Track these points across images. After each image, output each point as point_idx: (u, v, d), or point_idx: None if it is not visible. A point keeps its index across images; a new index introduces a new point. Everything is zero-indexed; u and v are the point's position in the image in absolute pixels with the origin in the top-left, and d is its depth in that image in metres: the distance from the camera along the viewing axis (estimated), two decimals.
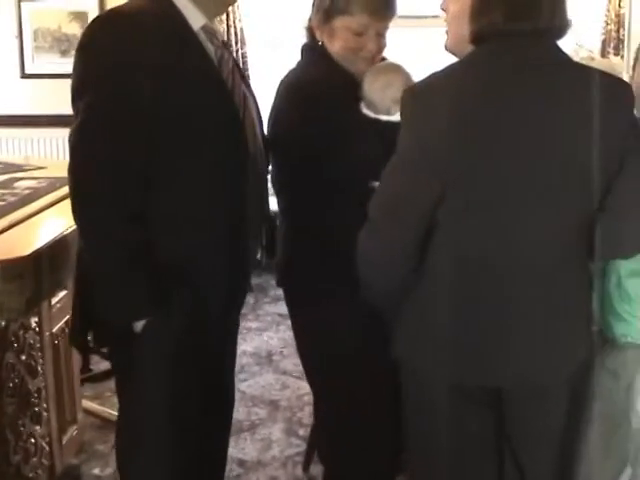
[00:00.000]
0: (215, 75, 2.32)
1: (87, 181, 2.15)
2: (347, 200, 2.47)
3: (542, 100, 1.92)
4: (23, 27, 6.67)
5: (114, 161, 2.14)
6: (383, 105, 2.49)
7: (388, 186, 2.05)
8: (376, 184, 2.46)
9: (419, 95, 2.01)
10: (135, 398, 2.34)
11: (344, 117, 2.47)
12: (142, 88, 2.13)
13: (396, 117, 2.41)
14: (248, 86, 2.51)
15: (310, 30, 2.69)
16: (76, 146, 2.16)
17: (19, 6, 6.62)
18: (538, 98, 1.93)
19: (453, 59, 2.14)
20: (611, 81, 2.04)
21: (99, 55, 2.18)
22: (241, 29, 6.66)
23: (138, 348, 2.24)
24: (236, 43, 6.66)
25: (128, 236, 2.17)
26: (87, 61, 2.19)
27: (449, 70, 2.01)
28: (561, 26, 1.99)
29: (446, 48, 2.18)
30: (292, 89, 2.59)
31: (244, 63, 6.72)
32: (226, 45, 2.45)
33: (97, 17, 2.30)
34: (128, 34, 2.18)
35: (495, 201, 1.97)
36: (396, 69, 2.60)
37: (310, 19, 2.69)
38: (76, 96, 2.18)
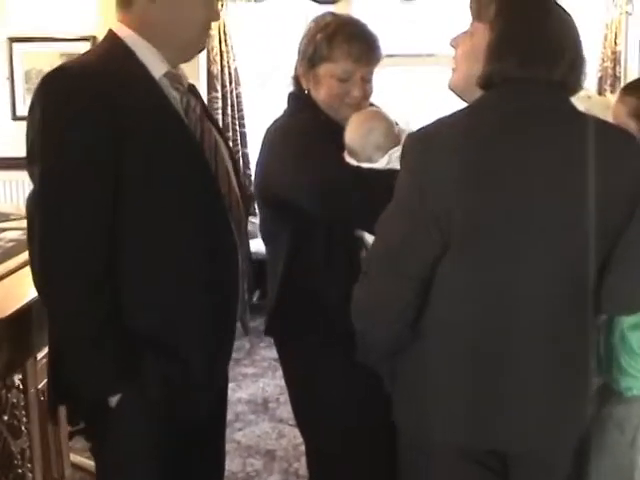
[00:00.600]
0: (181, 126, 2.17)
1: (46, 251, 2.02)
2: (333, 250, 2.45)
3: (551, 152, 1.87)
4: (15, 69, 6.63)
5: (75, 229, 2.01)
6: (365, 152, 2.44)
7: (385, 236, 1.97)
8: (363, 234, 2.44)
9: (423, 141, 1.93)
10: (114, 471, 2.22)
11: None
12: (99, 150, 2.00)
13: (379, 164, 2.41)
14: (220, 132, 2.40)
15: (296, 79, 2.66)
16: (34, 215, 2.04)
17: (10, 47, 6.59)
18: (546, 149, 1.87)
19: (448, 98, 2.11)
20: (619, 134, 2.01)
21: (50, 117, 2.01)
22: (235, 69, 6.61)
23: (114, 424, 2.12)
24: (230, 83, 6.61)
25: (94, 307, 2.04)
26: (38, 124, 2.03)
27: (455, 116, 1.94)
28: (577, 81, 1.95)
29: (450, 87, 2.12)
30: (278, 139, 2.55)
31: (239, 103, 6.69)
32: (193, 90, 2.34)
33: (46, 75, 2.07)
34: (79, 92, 2.01)
35: (498, 253, 1.90)
36: (377, 115, 2.56)
37: (296, 68, 2.66)
38: (30, 160, 2.05)
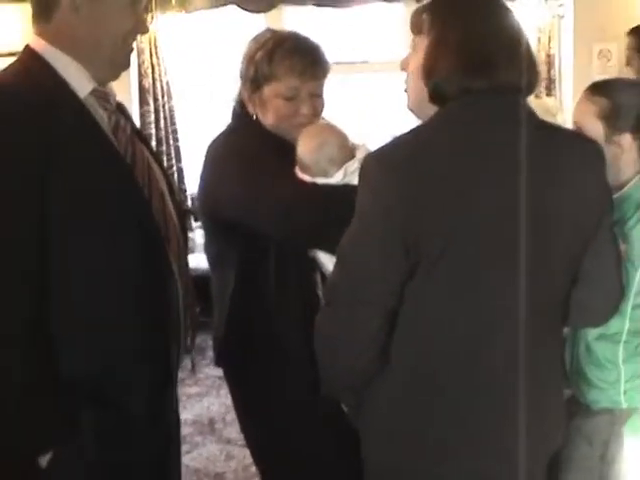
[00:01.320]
0: (111, 152, 2.00)
1: None
2: (286, 273, 2.32)
3: (515, 163, 1.77)
4: None
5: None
6: (318, 166, 2.32)
7: (349, 263, 1.85)
8: (316, 254, 2.33)
9: (386, 161, 1.81)
10: None
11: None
12: (22, 188, 1.83)
13: (334, 179, 2.29)
14: (152, 152, 2.23)
15: (241, 104, 2.50)
16: None
17: None
18: (511, 161, 1.78)
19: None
20: (584, 143, 1.95)
21: None
22: (167, 82, 6.49)
23: None
24: (162, 97, 6.48)
25: (23, 358, 1.83)
26: None
27: (415, 134, 1.85)
28: (528, 82, 1.86)
29: (408, 108, 2.02)
30: (225, 156, 2.39)
31: (171, 117, 6.56)
32: (121, 108, 2.18)
33: None
34: None
35: (469, 275, 1.80)
36: (329, 128, 2.43)
37: (240, 92, 2.51)
38: None
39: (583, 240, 1.90)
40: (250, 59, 2.41)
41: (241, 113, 2.50)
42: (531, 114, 1.87)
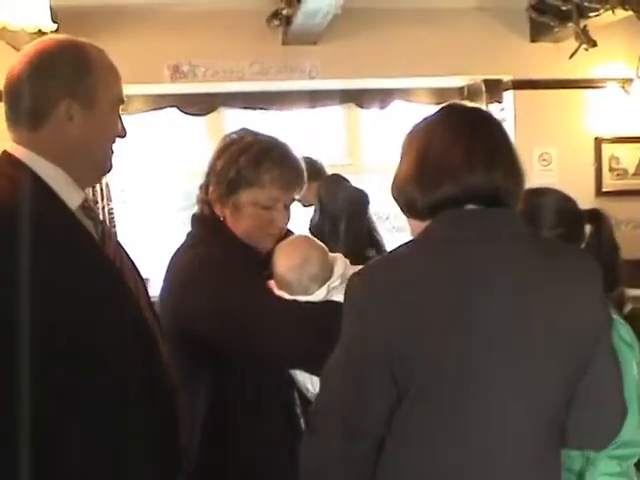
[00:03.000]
0: (104, 260, 1.93)
1: None
2: (263, 393, 2.19)
3: (510, 281, 1.69)
4: None
5: None
6: (301, 285, 2.22)
7: (334, 391, 1.74)
8: (294, 373, 2.21)
9: (372, 282, 1.71)
10: None
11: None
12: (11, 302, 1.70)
13: (316, 297, 2.19)
14: (133, 263, 2.13)
15: (206, 203, 2.37)
16: None
17: None
18: (503, 278, 1.69)
19: None
20: (579, 257, 1.88)
21: None
22: (107, 184, 6.36)
23: None
24: (102, 199, 6.35)
25: None
26: None
27: (402, 253, 1.76)
28: (505, 188, 1.77)
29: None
30: (194, 271, 2.24)
31: (111, 220, 6.42)
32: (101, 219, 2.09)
33: None
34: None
35: (460, 399, 1.69)
36: (308, 243, 2.34)
37: (204, 189, 2.38)
38: None
39: (581, 359, 1.78)
40: (232, 161, 2.31)
41: (207, 217, 2.37)
42: (519, 225, 1.79)
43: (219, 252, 2.26)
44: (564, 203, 2.37)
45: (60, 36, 1.98)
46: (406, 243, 1.79)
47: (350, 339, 1.71)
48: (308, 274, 2.23)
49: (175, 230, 6.97)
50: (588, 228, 2.39)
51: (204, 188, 2.39)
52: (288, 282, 2.23)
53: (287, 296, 2.22)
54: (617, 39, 5.93)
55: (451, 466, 1.71)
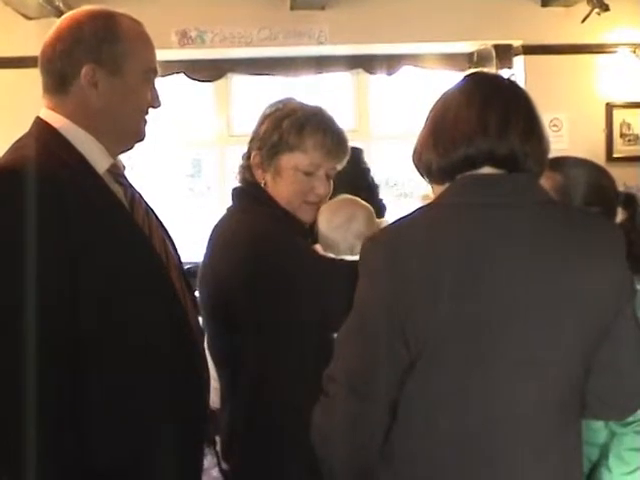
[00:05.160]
0: (131, 224, 1.96)
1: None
2: (305, 362, 2.17)
3: (528, 247, 1.68)
4: None
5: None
6: (346, 243, 2.24)
7: (346, 356, 1.73)
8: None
9: (386, 244, 1.70)
10: None
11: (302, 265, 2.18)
12: (53, 255, 1.77)
13: None
14: (165, 229, 2.14)
15: (248, 169, 2.37)
16: None
17: None
18: (521, 243, 1.68)
19: None
20: (603, 225, 1.86)
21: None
22: None
23: None
24: None
25: (56, 449, 1.76)
26: None
27: (417, 216, 1.75)
28: (535, 154, 1.76)
29: None
30: (242, 242, 2.23)
31: None
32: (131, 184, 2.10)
33: None
34: (10, 200, 1.78)
35: (476, 363, 1.68)
36: (355, 202, 2.36)
37: (247, 157, 2.37)
38: None
39: (601, 328, 1.75)
40: (275, 125, 2.30)
41: (249, 187, 2.37)
42: (539, 191, 1.78)
43: (264, 219, 2.26)
44: (600, 179, 2.35)
45: (94, 6, 2.02)
46: (421, 207, 1.79)
47: (363, 304, 1.71)
48: (354, 232, 2.25)
49: (182, 197, 6.98)
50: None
51: (246, 155, 2.39)
52: (334, 241, 2.26)
53: (332, 256, 2.22)
54: (629, 3, 5.86)
55: (466, 433, 1.70)
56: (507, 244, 1.67)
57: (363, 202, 2.37)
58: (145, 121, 2.06)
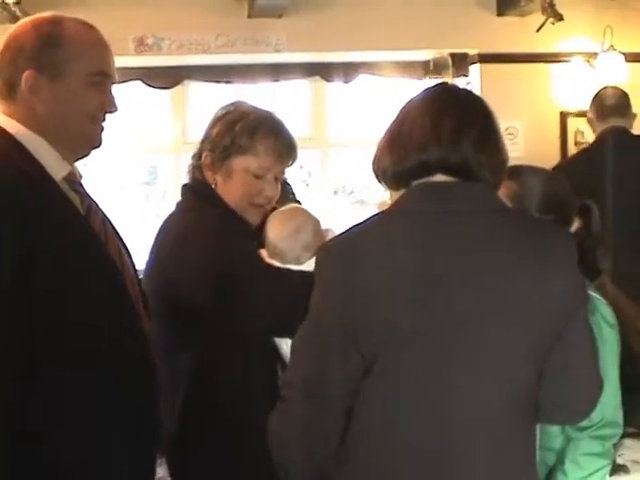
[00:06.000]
0: (87, 232, 1.95)
1: None
2: (247, 362, 2.23)
3: (482, 253, 1.71)
4: None
5: None
6: (293, 253, 2.26)
7: (302, 362, 1.76)
8: (280, 342, 2.23)
9: (341, 251, 1.74)
10: None
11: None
12: (7, 258, 1.78)
13: (307, 266, 2.20)
14: (121, 238, 2.13)
15: (199, 168, 2.39)
16: None
17: None
18: (478, 252, 1.71)
19: None
20: (553, 232, 1.89)
21: None
22: None
23: None
24: None
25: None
26: None
27: (372, 223, 1.78)
28: (477, 162, 1.78)
29: None
30: (187, 238, 2.25)
31: None
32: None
33: None
34: None
35: (430, 368, 1.70)
36: (303, 212, 2.40)
37: (197, 157, 2.40)
38: None
39: (553, 332, 1.77)
40: (228, 128, 2.33)
41: (199, 185, 2.40)
42: (494, 199, 1.81)
43: (213, 219, 2.29)
44: (556, 187, 2.37)
45: (46, 13, 2.01)
46: (375, 215, 1.82)
47: (317, 312, 1.73)
48: (301, 242, 2.26)
49: (138, 204, 6.93)
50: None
51: (197, 156, 2.42)
52: (281, 250, 2.27)
53: (278, 264, 2.24)
54: (583, 13, 5.95)
55: (419, 438, 1.72)
56: (461, 251, 1.70)
57: (311, 213, 2.41)
58: (101, 127, 2.05)
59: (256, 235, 2.39)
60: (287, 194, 5.38)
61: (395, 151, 1.80)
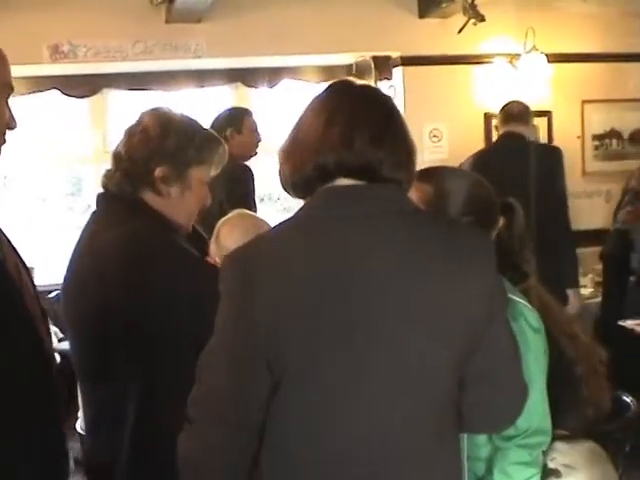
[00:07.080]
0: None
1: None
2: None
3: (394, 257, 1.65)
4: None
5: None
6: None
7: (208, 381, 1.68)
8: None
9: (239, 262, 1.68)
10: None
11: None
12: None
13: None
14: (18, 254, 2.05)
15: (127, 180, 2.30)
16: None
17: None
18: (389, 256, 1.65)
19: None
20: (471, 234, 1.84)
21: None
22: None
23: None
24: None
25: None
26: None
27: (277, 232, 1.74)
28: (379, 162, 1.71)
29: None
30: (124, 253, 2.17)
31: None
32: None
33: None
34: None
35: (342, 382, 1.64)
36: (251, 216, 2.50)
37: (121, 170, 2.31)
38: None
39: (473, 336, 1.72)
40: (187, 138, 2.32)
41: (125, 195, 2.30)
42: (404, 201, 1.75)
43: (149, 230, 2.24)
44: (476, 189, 2.31)
45: None
46: (281, 222, 1.76)
47: (222, 325, 1.67)
48: None
49: (60, 216, 6.78)
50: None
51: (121, 170, 2.32)
52: None
53: None
54: (505, 14, 5.97)
55: (335, 452, 1.67)
56: (371, 255, 1.64)
57: (259, 217, 2.52)
58: (4, 141, 1.98)
59: (192, 242, 2.42)
60: None
61: (292, 159, 1.75)
